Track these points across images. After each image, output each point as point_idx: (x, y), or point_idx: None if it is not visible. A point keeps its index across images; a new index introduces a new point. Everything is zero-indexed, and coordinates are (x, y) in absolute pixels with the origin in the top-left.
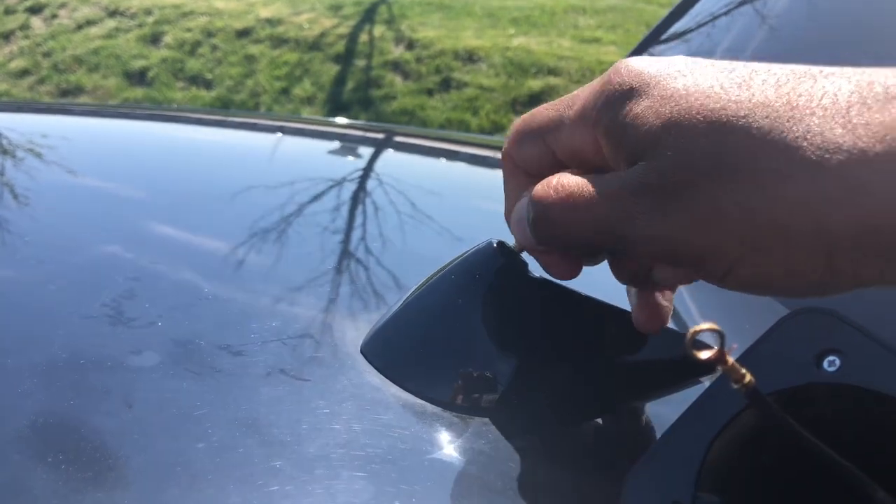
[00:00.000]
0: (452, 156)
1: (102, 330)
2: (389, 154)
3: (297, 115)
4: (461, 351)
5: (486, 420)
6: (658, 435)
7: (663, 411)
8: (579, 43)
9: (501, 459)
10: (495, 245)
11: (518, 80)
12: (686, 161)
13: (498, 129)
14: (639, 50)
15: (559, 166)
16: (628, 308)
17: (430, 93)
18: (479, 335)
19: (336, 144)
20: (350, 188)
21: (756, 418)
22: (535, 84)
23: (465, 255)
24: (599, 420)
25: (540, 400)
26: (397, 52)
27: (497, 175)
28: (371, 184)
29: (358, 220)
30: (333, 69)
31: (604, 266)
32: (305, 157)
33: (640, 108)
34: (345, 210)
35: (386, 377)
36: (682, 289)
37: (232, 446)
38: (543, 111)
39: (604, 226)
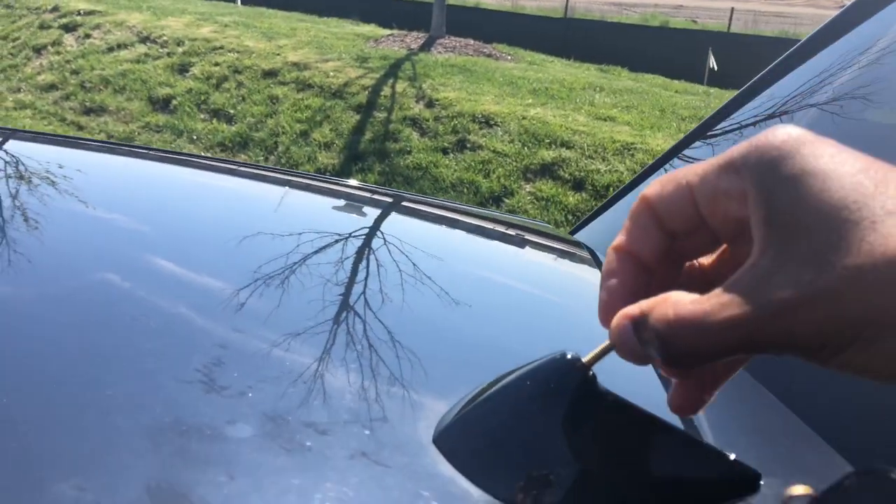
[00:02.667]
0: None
1: (198, 397)
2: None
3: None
4: (529, 454)
5: None
6: None
7: None
8: (594, 119)
9: None
10: (569, 357)
11: (532, 148)
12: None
13: (508, 193)
14: (684, 144)
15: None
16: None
17: (445, 151)
18: (547, 441)
19: (408, 219)
20: (423, 271)
21: None
22: (548, 154)
23: (540, 363)
24: None
25: None
26: (417, 108)
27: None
28: (440, 269)
29: (427, 306)
30: (353, 118)
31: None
32: (360, 225)
33: (796, 174)
34: (414, 295)
35: (458, 471)
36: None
37: None
38: (684, 169)
39: (745, 333)
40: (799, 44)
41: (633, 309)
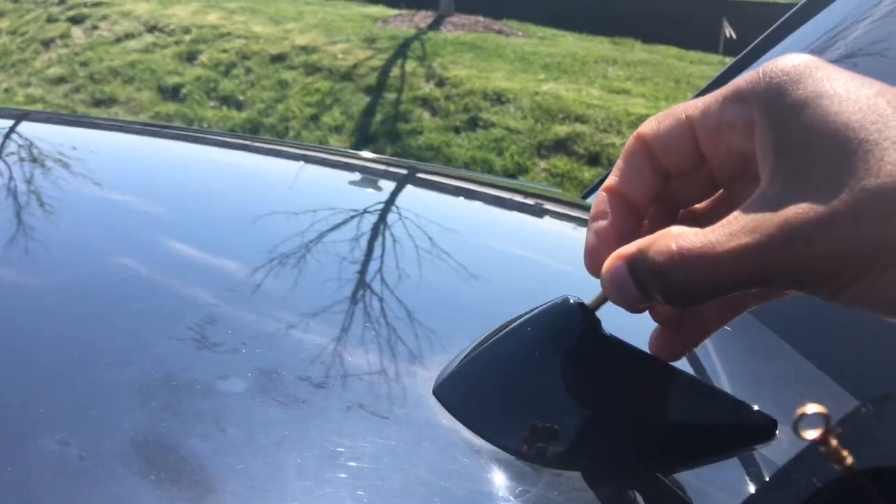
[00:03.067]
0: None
1: (190, 353)
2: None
3: (349, 148)
4: (534, 402)
5: (559, 471)
6: (721, 497)
7: (727, 473)
8: (608, 93)
9: None
10: (572, 302)
11: (545, 124)
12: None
13: (522, 170)
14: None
15: (675, 204)
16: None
17: (457, 130)
18: (553, 388)
19: (405, 187)
20: (425, 231)
21: (838, 497)
22: (562, 130)
23: (542, 309)
24: (661, 478)
25: (606, 456)
26: (427, 88)
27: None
28: (434, 229)
29: (426, 264)
30: (363, 100)
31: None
32: (362, 196)
33: (808, 97)
34: (409, 253)
35: (460, 421)
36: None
37: (322, 478)
38: (683, 105)
39: (756, 263)
40: (801, 3)
41: (628, 248)
